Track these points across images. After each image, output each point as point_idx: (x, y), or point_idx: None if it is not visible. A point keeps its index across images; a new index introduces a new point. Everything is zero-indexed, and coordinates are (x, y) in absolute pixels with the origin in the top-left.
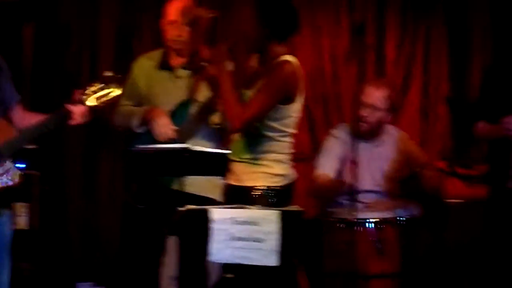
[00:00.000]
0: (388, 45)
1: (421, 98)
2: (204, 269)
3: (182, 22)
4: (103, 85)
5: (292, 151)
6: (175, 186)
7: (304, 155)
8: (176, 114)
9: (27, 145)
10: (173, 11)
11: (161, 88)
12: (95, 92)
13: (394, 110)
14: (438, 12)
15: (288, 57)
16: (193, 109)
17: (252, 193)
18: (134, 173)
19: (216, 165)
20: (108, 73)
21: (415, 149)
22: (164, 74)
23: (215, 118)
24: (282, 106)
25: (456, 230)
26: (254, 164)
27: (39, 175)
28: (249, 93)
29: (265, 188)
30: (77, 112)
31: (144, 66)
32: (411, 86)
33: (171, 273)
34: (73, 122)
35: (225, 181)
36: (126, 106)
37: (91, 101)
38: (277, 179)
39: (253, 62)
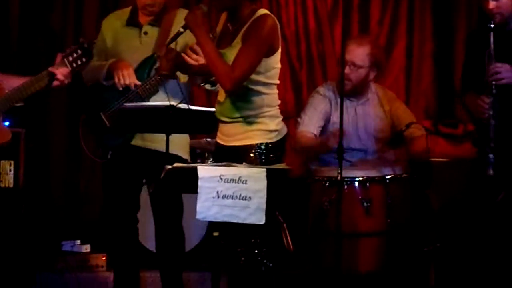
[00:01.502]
0: (372, 3)
1: (405, 56)
2: (181, 227)
3: None
4: (80, 49)
5: (279, 102)
6: (137, 142)
7: (289, 114)
8: (140, 71)
9: (15, 105)
10: None
11: (127, 44)
12: (74, 55)
13: (378, 67)
14: None
15: (264, 11)
16: (156, 65)
17: (250, 152)
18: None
19: (202, 124)
20: (83, 39)
21: (401, 109)
22: (131, 31)
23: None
24: (265, 58)
25: (440, 188)
26: (247, 122)
27: (24, 132)
28: (227, 52)
29: (262, 145)
30: (61, 74)
31: (113, 23)
32: (396, 44)
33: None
34: (56, 83)
35: (215, 141)
36: (95, 61)
37: (71, 64)
38: (272, 134)
39: (220, 21)
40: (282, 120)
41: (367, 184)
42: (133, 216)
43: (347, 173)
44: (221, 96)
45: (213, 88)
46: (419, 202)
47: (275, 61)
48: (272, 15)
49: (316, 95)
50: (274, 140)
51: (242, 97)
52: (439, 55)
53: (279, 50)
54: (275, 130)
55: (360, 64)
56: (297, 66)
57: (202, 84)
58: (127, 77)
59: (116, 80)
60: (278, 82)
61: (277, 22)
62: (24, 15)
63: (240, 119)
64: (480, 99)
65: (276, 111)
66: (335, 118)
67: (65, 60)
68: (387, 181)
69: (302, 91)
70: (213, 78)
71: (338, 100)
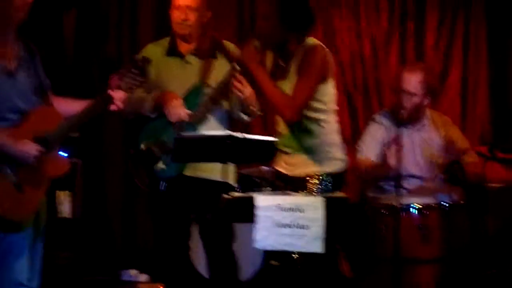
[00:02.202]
0: (427, 30)
1: (461, 82)
2: (233, 255)
3: (190, 7)
4: (135, 69)
5: (340, 130)
6: (187, 172)
7: (346, 140)
8: (189, 99)
9: (73, 133)
10: None
11: (170, 74)
12: (130, 75)
13: (433, 94)
14: None
15: (313, 40)
16: (205, 94)
17: (313, 181)
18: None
19: (259, 152)
20: (137, 57)
21: (457, 135)
22: (173, 60)
23: (228, 103)
24: (320, 85)
25: (497, 214)
26: (310, 152)
27: (81, 163)
28: (282, 86)
29: (325, 174)
30: (117, 97)
31: (152, 53)
32: (451, 70)
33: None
34: (113, 107)
35: (277, 170)
36: (136, 93)
37: (127, 85)
38: (337, 163)
39: (268, 58)
40: None
41: (424, 211)
42: (185, 245)
43: (405, 201)
44: (281, 127)
45: (249, 119)
46: (476, 228)
47: (330, 86)
48: (321, 44)
49: (372, 123)
50: (338, 169)
51: (302, 126)
52: (494, 81)
53: (333, 77)
54: (340, 159)
55: (414, 92)
56: (353, 93)
57: (239, 115)
58: (179, 110)
59: (167, 113)
60: (336, 108)
61: (328, 50)
62: (79, 45)
63: (303, 149)
64: None
65: (338, 138)
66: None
67: (121, 82)
68: (444, 208)
69: (358, 118)
70: (250, 108)
71: (394, 127)
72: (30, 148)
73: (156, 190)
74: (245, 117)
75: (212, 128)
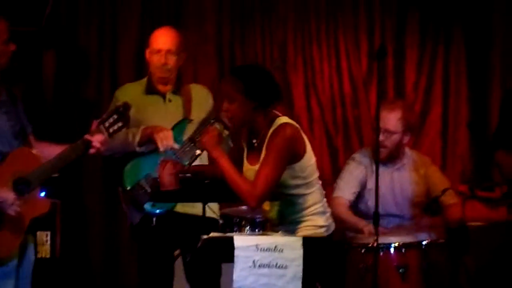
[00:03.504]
0: (407, 68)
1: (441, 121)
2: None
3: (170, 51)
4: (116, 114)
5: (324, 194)
6: (177, 208)
7: (325, 180)
8: (175, 135)
9: (53, 175)
10: (162, 40)
11: (152, 111)
12: (111, 120)
13: (412, 130)
14: (457, 35)
15: (283, 119)
16: (189, 129)
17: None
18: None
19: None
20: (120, 104)
21: (437, 174)
22: (154, 98)
23: None
24: (294, 164)
25: (477, 253)
26: (296, 223)
27: (60, 203)
28: (257, 169)
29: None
30: (96, 141)
31: (130, 92)
32: (431, 109)
33: None
34: (92, 151)
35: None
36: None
37: (107, 130)
38: (322, 230)
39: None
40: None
41: (403, 250)
42: (169, 285)
43: (383, 240)
44: (266, 205)
45: None
46: (456, 267)
47: (307, 160)
48: (291, 122)
49: (351, 162)
50: (325, 235)
51: (287, 203)
52: (475, 119)
53: (308, 150)
54: (324, 226)
55: (393, 130)
56: (333, 132)
57: None
58: (170, 139)
59: (159, 143)
60: (317, 175)
61: (297, 127)
62: (59, 84)
63: (289, 222)
64: None
65: (323, 206)
66: (370, 184)
67: (101, 126)
68: (423, 247)
69: (338, 157)
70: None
71: (374, 166)
72: (7, 197)
73: (147, 227)
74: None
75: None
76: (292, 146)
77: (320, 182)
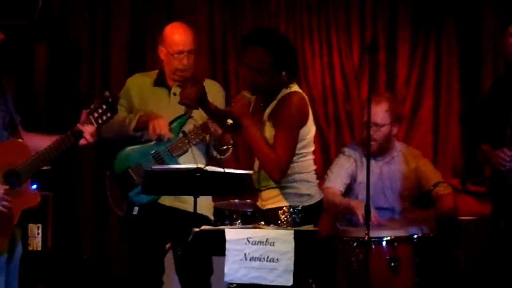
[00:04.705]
0: (399, 62)
1: (432, 115)
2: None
3: (191, 51)
4: (105, 104)
5: (315, 167)
6: (166, 202)
7: (317, 174)
8: (172, 127)
9: (44, 167)
10: (182, 41)
11: (156, 104)
12: (99, 111)
13: (399, 120)
14: (448, 29)
15: (293, 88)
16: (188, 125)
17: (282, 213)
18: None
19: (230, 186)
20: (108, 93)
21: (427, 167)
22: (160, 91)
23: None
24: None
25: (468, 246)
26: (279, 187)
27: (52, 195)
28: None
29: (293, 207)
30: (87, 132)
31: (139, 82)
32: (423, 103)
33: None
34: (83, 142)
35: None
36: (119, 115)
37: (96, 121)
38: (304, 198)
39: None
40: None
41: (395, 244)
42: (158, 280)
43: (375, 233)
44: (256, 165)
45: (222, 157)
46: (447, 261)
47: (307, 131)
48: (297, 90)
49: (341, 156)
50: (306, 203)
51: None
52: (466, 114)
53: (310, 120)
54: (307, 194)
55: (381, 122)
56: (325, 127)
57: (213, 152)
58: (163, 128)
59: (151, 129)
60: (312, 149)
61: (305, 96)
62: (51, 77)
63: (273, 185)
64: (502, 151)
65: (308, 175)
66: (360, 178)
67: (90, 116)
68: (415, 240)
69: (330, 152)
70: (224, 147)
71: (363, 160)
72: None
73: (129, 215)
74: (218, 155)
75: (191, 161)
76: (301, 114)
77: (313, 157)
